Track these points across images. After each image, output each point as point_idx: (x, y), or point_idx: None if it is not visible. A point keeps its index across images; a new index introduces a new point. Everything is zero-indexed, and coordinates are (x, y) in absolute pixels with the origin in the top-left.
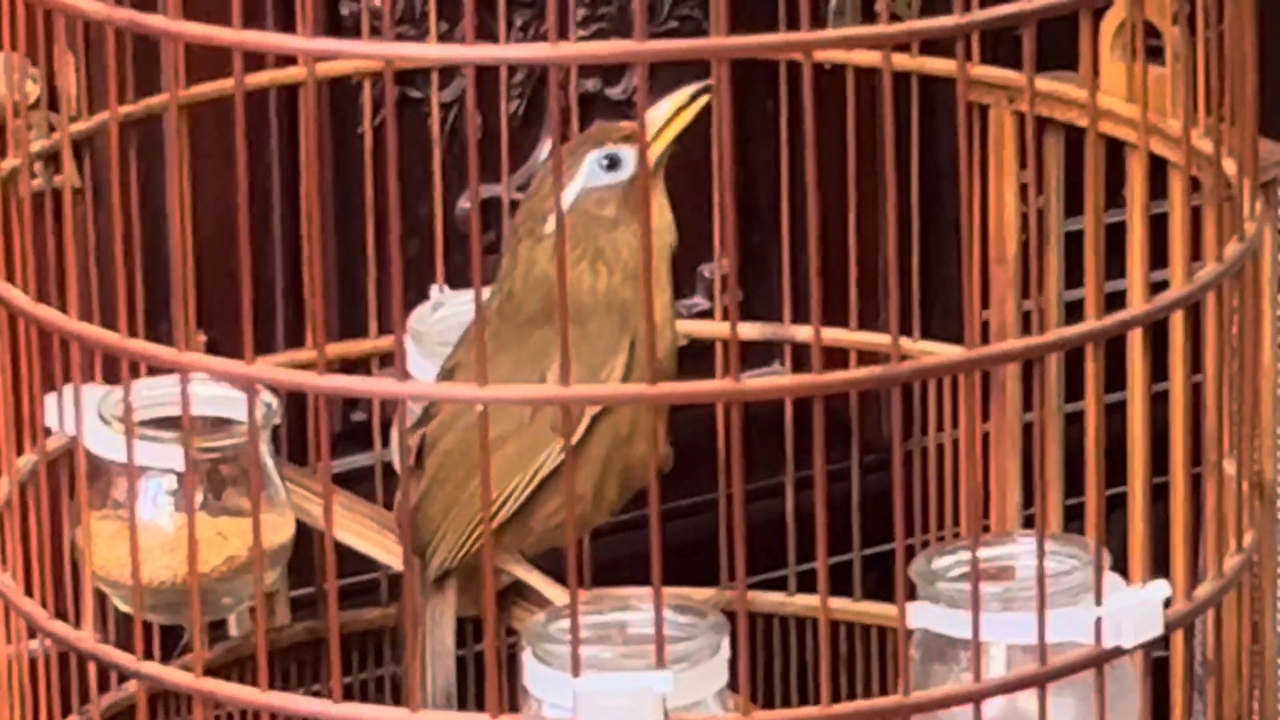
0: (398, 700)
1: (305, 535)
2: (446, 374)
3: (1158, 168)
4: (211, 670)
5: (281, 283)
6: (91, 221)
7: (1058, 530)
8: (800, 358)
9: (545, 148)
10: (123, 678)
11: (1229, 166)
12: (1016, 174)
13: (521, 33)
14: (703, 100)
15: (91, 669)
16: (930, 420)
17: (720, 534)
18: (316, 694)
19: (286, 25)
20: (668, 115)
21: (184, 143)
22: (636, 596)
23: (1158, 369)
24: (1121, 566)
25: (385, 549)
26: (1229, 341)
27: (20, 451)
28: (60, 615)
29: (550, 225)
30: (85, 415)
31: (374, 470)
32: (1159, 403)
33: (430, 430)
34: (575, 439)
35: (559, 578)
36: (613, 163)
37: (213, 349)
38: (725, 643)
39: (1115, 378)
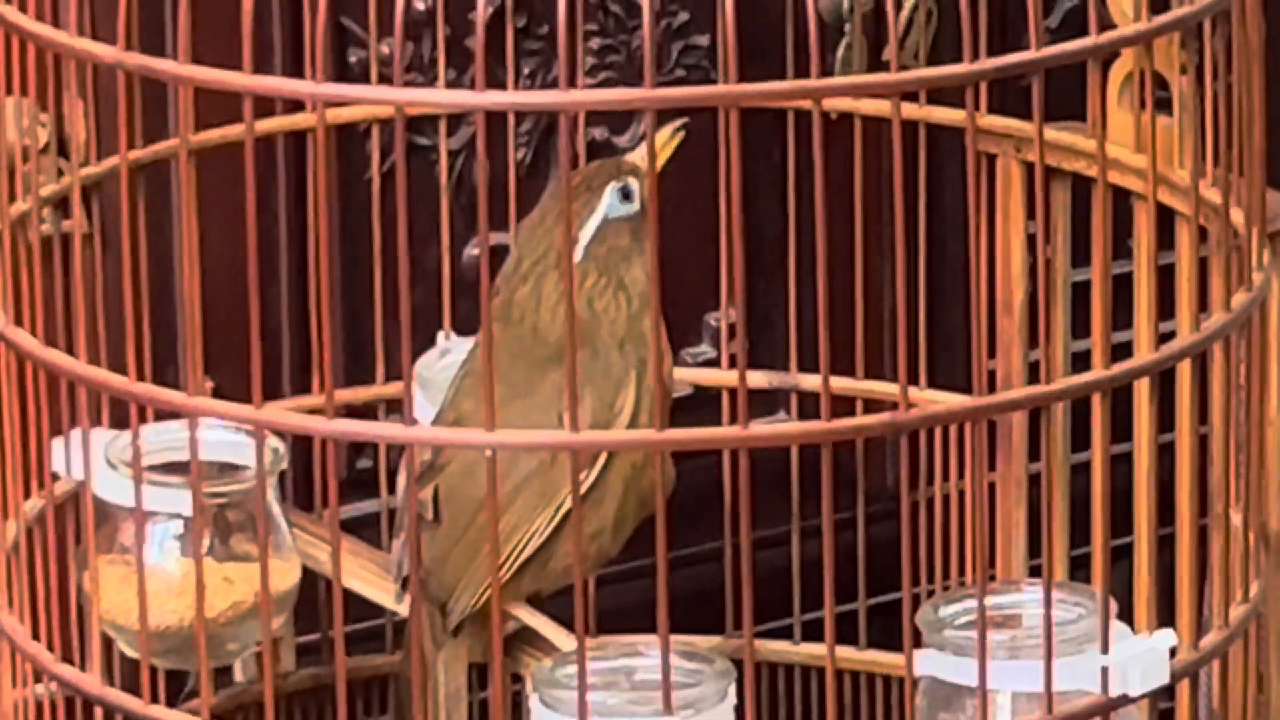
0: None
1: (311, 581)
2: (450, 425)
3: (1165, 218)
4: (217, 716)
5: (289, 328)
6: (100, 266)
7: (1064, 579)
8: (806, 406)
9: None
10: None
11: (1237, 216)
12: (1024, 223)
13: (529, 80)
14: (679, 122)
15: (98, 713)
16: (937, 469)
17: (726, 582)
18: None
19: (295, 71)
20: (660, 151)
21: (193, 188)
22: (643, 643)
23: (1164, 419)
24: (1128, 616)
25: (390, 594)
26: (1236, 392)
27: (28, 495)
28: (67, 659)
29: (580, 255)
30: (93, 460)
31: (380, 516)
32: (1166, 453)
33: (444, 481)
34: (595, 472)
35: (566, 624)
36: (627, 194)
37: (220, 394)
38: (732, 689)
39: (1122, 428)
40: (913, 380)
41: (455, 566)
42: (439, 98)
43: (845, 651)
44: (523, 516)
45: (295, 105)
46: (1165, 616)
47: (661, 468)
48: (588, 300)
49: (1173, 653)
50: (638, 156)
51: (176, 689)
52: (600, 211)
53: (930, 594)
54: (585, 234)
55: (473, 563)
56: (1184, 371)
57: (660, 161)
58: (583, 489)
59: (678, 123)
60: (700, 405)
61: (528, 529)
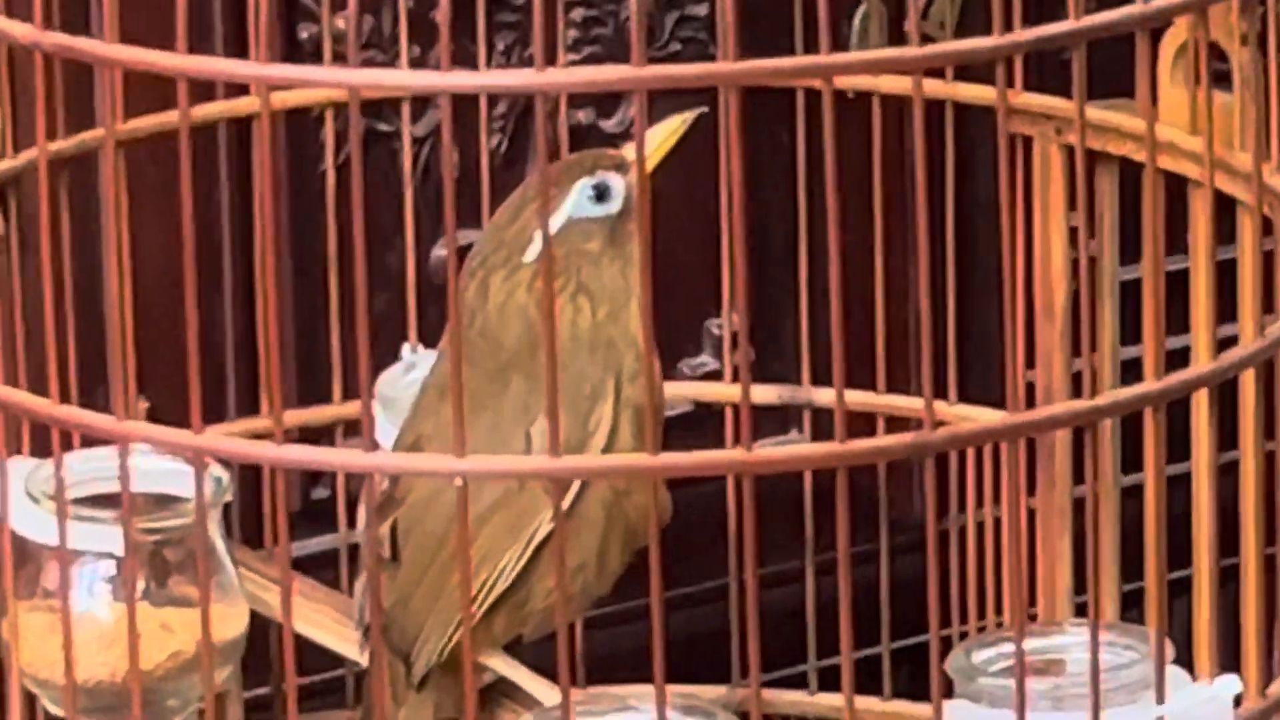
0: None
1: (261, 628)
2: (409, 449)
3: (1225, 207)
4: None
5: (233, 342)
6: (18, 272)
7: (1114, 619)
8: (821, 424)
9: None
10: None
11: None
12: (1065, 215)
13: (504, 58)
14: (687, 116)
15: None
16: (969, 495)
17: (732, 624)
18: None
19: (239, 50)
20: (660, 144)
21: (122, 183)
22: (637, 695)
23: (1226, 435)
24: (1186, 660)
25: (350, 642)
26: None
27: None
28: None
29: (531, 254)
30: (11, 492)
31: (338, 554)
32: (1228, 473)
33: (403, 515)
34: (569, 499)
35: (549, 673)
36: (601, 194)
37: (156, 417)
38: None
39: (1178, 446)
40: (940, 394)
41: (417, 611)
42: (400, 79)
43: (867, 702)
44: (490, 551)
45: (238, 89)
46: (1229, 660)
47: (657, 494)
48: (537, 304)
49: (1237, 701)
50: (628, 149)
51: None
52: (564, 210)
53: (962, 637)
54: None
55: (436, 606)
56: (1247, 382)
57: (659, 156)
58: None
59: (690, 114)
60: (700, 424)
61: (495, 565)
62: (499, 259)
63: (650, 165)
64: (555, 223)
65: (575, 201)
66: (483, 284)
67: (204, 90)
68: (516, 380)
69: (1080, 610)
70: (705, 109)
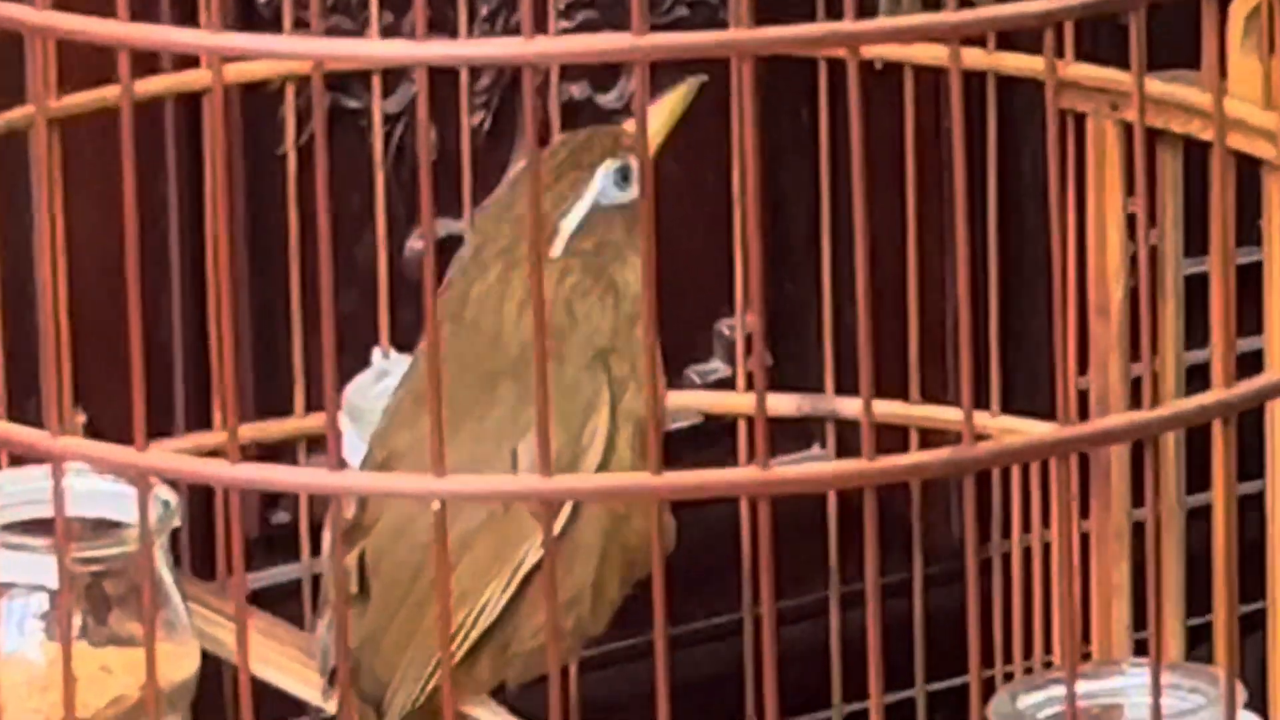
0: None
1: (214, 670)
2: (381, 466)
3: None
4: None
5: (182, 346)
6: None
7: (1178, 658)
8: (846, 439)
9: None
10: None
11: None
12: (1122, 201)
13: (487, 25)
14: (694, 81)
15: None
16: (1014, 518)
17: (746, 663)
18: None
19: (188, 18)
20: (665, 121)
21: (56, 167)
22: None
23: None
24: (1260, 703)
25: (315, 687)
26: None
27: None
28: None
29: (559, 247)
30: None
31: (301, 586)
32: None
33: (372, 543)
34: (560, 523)
35: None
36: (625, 176)
37: (94, 432)
38: None
39: (1250, 462)
40: (981, 404)
41: (389, 652)
42: (370, 49)
43: None
44: (472, 583)
45: (187, 61)
46: None
47: (660, 518)
48: (566, 304)
49: None
50: (629, 126)
51: None
52: (590, 196)
53: (1007, 678)
54: (569, 223)
55: (410, 646)
56: None
57: (662, 133)
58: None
59: (691, 81)
60: (709, 439)
61: (478, 599)
62: (524, 252)
63: (652, 146)
64: (580, 210)
65: (602, 186)
66: (503, 278)
67: (148, 62)
68: (506, 389)
69: (1140, 648)
70: (705, 78)
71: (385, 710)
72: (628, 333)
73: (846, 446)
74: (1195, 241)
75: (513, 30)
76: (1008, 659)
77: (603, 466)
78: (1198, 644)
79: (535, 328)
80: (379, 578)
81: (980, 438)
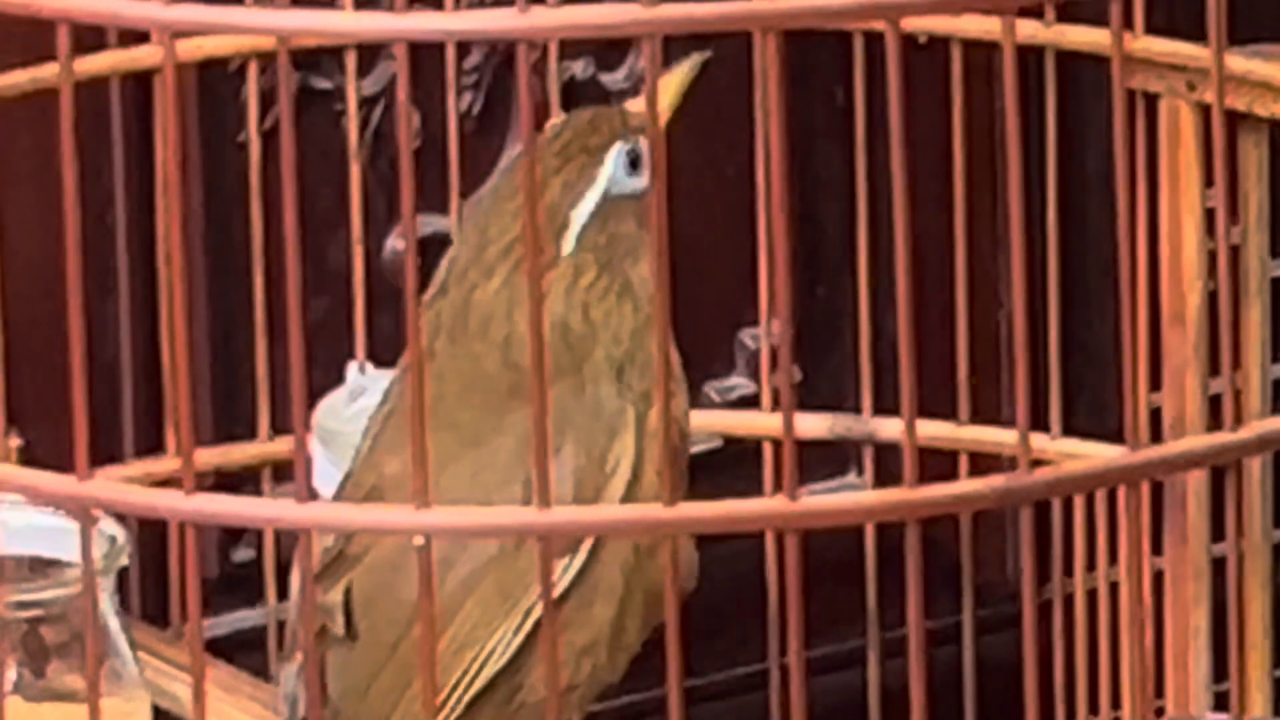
0: None
1: None
2: (366, 497)
3: None
4: None
5: (131, 361)
6: None
7: (1265, 713)
8: (886, 465)
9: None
10: None
11: None
12: (1200, 194)
13: None
14: (698, 57)
15: None
16: (1077, 554)
17: (773, 717)
18: None
19: None
20: (673, 99)
21: None
22: None
23: None
24: None
25: None
26: None
27: None
28: None
29: (570, 244)
30: None
31: (265, 633)
32: None
33: (361, 578)
34: (579, 560)
35: None
36: (635, 161)
37: (31, 458)
38: None
39: None
40: (1039, 426)
41: (379, 701)
42: (342, 23)
43: None
44: (477, 627)
45: (135, 36)
46: None
47: (676, 553)
48: (583, 307)
49: None
50: (632, 105)
51: None
52: (601, 183)
53: None
54: (581, 214)
55: (406, 695)
56: None
57: (665, 115)
58: (564, 583)
59: (695, 57)
60: (732, 464)
61: (484, 646)
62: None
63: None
64: (591, 200)
65: (611, 172)
66: (509, 281)
67: (92, 37)
68: (520, 411)
69: (1221, 702)
70: (709, 54)
71: None
72: (646, 342)
73: (886, 473)
74: None
75: (505, 1)
76: (1070, 714)
77: (628, 495)
78: None
79: (531, 335)
80: (370, 617)
81: (1038, 463)
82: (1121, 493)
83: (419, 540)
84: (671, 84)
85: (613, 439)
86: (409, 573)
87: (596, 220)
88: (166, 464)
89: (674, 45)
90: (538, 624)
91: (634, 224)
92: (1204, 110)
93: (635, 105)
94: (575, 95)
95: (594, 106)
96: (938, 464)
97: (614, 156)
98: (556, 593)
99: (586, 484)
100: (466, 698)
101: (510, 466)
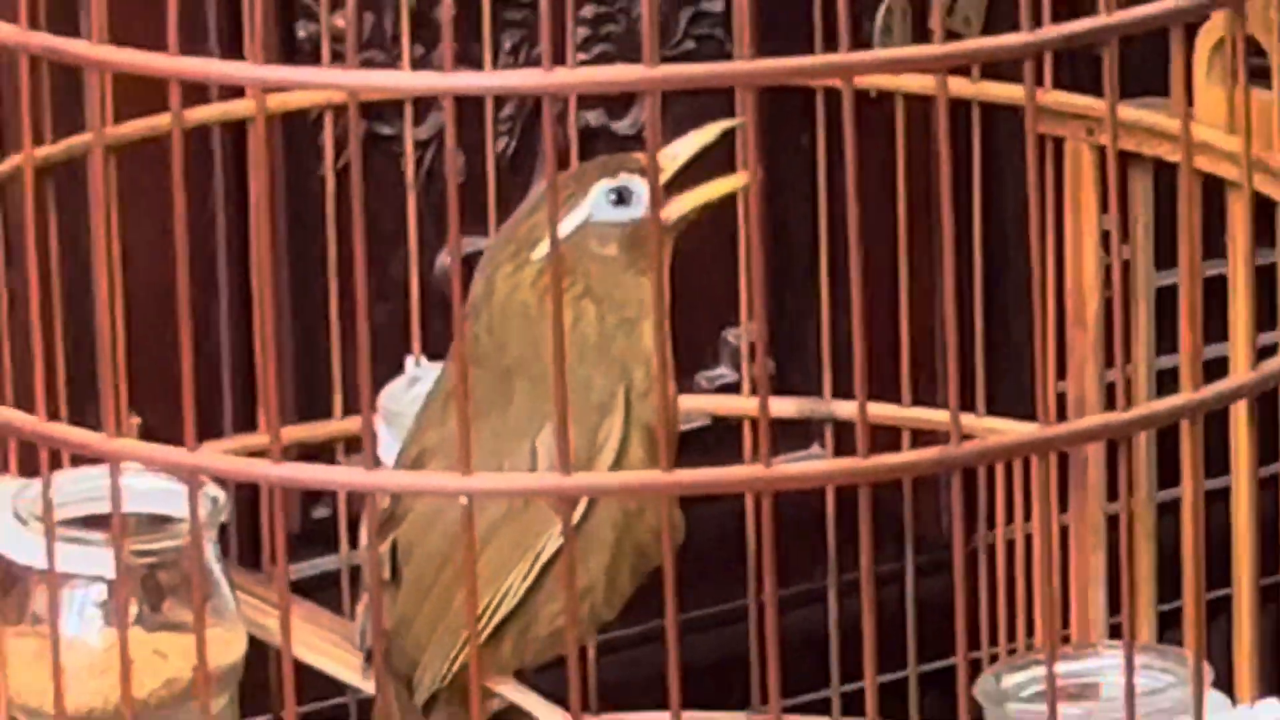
0: None
1: (259, 653)
2: (413, 463)
3: (1265, 210)
4: None
5: (229, 355)
6: (3, 283)
7: (1150, 641)
8: (843, 439)
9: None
10: None
11: None
12: (1098, 219)
13: (511, 57)
14: (739, 179)
15: None
16: (998, 511)
17: (751, 647)
18: None
19: (234, 51)
20: (690, 154)
21: (112, 190)
22: None
23: (1266, 448)
24: (1227, 683)
25: (353, 668)
26: None
27: None
28: None
29: (540, 251)
30: None
31: (340, 575)
32: (1268, 488)
33: (403, 533)
34: (576, 518)
35: (561, 700)
36: (622, 197)
37: (148, 434)
38: None
39: (1217, 459)
40: (967, 407)
41: (419, 634)
42: (402, 80)
43: None
44: (495, 571)
45: (233, 91)
46: (1272, 682)
47: (667, 513)
48: (540, 298)
49: None
50: (666, 155)
51: None
52: (583, 211)
53: (992, 660)
54: (562, 232)
55: (439, 628)
56: None
57: (718, 194)
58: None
59: (727, 122)
60: (717, 439)
61: (500, 585)
62: (506, 254)
63: (693, 204)
64: (572, 223)
65: (594, 203)
66: (489, 280)
67: (197, 93)
68: (521, 386)
69: (1115, 632)
70: (743, 121)
71: (416, 686)
72: (623, 342)
73: (843, 446)
74: (1165, 255)
75: (534, 62)
76: (993, 642)
77: (616, 466)
78: (1168, 628)
79: (554, 333)
80: (410, 565)
81: (967, 437)
82: (1034, 462)
83: (463, 499)
84: (695, 141)
85: (604, 418)
86: (439, 529)
87: (573, 239)
88: (258, 438)
89: (676, 100)
90: (544, 570)
91: (615, 247)
92: (1100, 151)
93: (666, 153)
94: (590, 139)
95: (613, 155)
96: (885, 438)
97: (597, 190)
98: (556, 545)
99: (580, 453)
100: (487, 630)
101: (516, 436)
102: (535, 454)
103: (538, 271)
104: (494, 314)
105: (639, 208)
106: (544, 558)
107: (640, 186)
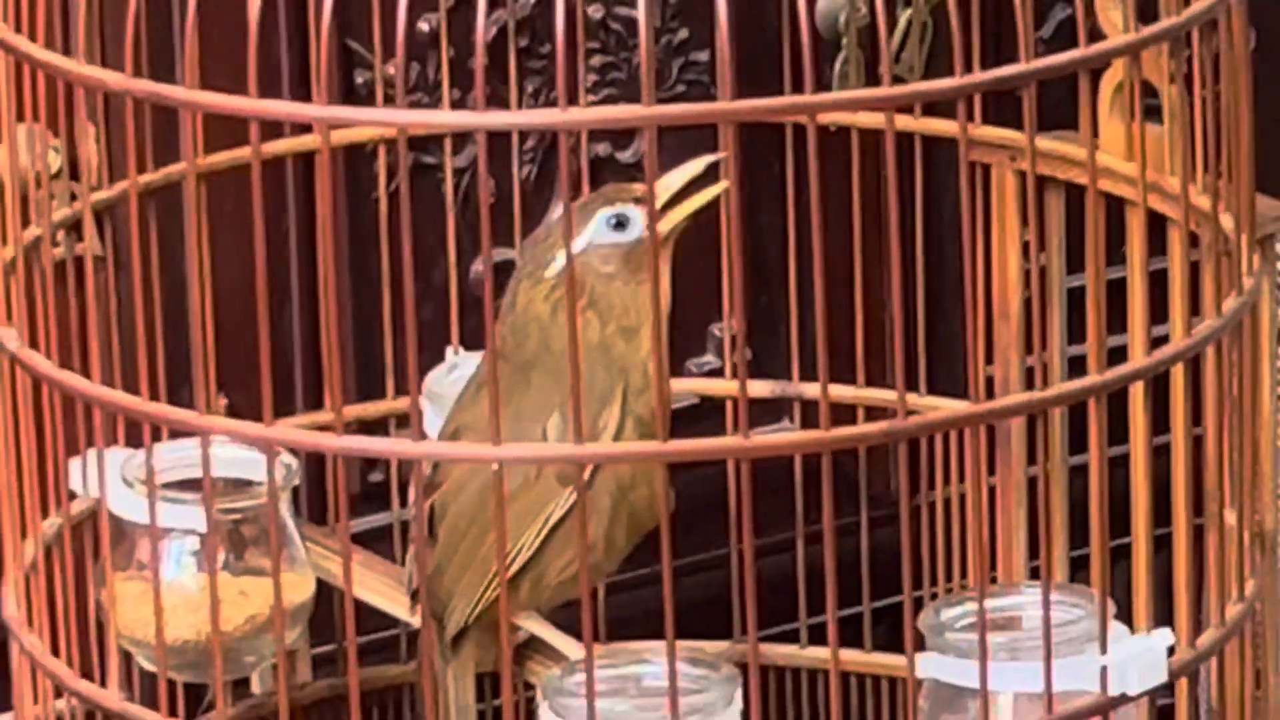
0: None
1: (325, 593)
2: (451, 437)
3: (1157, 224)
4: None
5: (300, 346)
6: (113, 288)
7: (1063, 581)
8: (809, 415)
9: (557, 211)
10: None
11: (1226, 222)
12: (1019, 231)
13: (533, 99)
14: (720, 186)
15: None
16: (937, 474)
17: (732, 588)
18: None
19: (302, 94)
20: (681, 183)
21: (203, 210)
22: (651, 650)
23: (1159, 422)
24: (1126, 616)
25: (404, 606)
26: (1229, 394)
27: (46, 514)
28: (86, 675)
29: (553, 269)
30: (109, 478)
31: (392, 529)
32: (1161, 455)
33: (439, 497)
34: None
35: (574, 633)
36: (620, 223)
37: (233, 412)
38: (738, 695)
39: (1118, 431)
40: (912, 387)
41: (449, 581)
42: (441, 118)
43: (850, 655)
44: (512, 532)
45: (302, 127)
46: (1163, 616)
47: (660, 487)
48: (552, 308)
49: (1171, 651)
50: (662, 184)
51: (195, 702)
52: (585, 236)
53: (932, 597)
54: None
55: (465, 576)
56: (1178, 375)
57: (701, 203)
58: (568, 505)
59: (712, 156)
60: (705, 415)
61: (516, 542)
62: (526, 270)
63: (680, 216)
64: (578, 246)
65: (596, 229)
66: (513, 291)
67: (273, 129)
68: (536, 378)
69: (1034, 574)
70: (726, 154)
71: (445, 622)
72: (623, 346)
73: (809, 420)
74: (1075, 261)
75: (552, 103)
76: (933, 583)
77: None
78: (1078, 570)
79: (569, 334)
80: (444, 523)
81: (911, 413)
82: (967, 433)
83: (495, 467)
84: (686, 172)
85: (604, 407)
86: (468, 494)
87: (580, 258)
88: (324, 415)
89: (669, 133)
90: (553, 529)
91: (617, 265)
92: (1021, 175)
93: (661, 181)
94: (598, 167)
95: (616, 183)
96: (843, 414)
97: (599, 218)
98: (562, 512)
99: (582, 438)
100: (509, 577)
101: (532, 419)
102: (545, 435)
103: (550, 287)
104: (515, 319)
105: (635, 231)
106: (552, 521)
107: (636, 213)
